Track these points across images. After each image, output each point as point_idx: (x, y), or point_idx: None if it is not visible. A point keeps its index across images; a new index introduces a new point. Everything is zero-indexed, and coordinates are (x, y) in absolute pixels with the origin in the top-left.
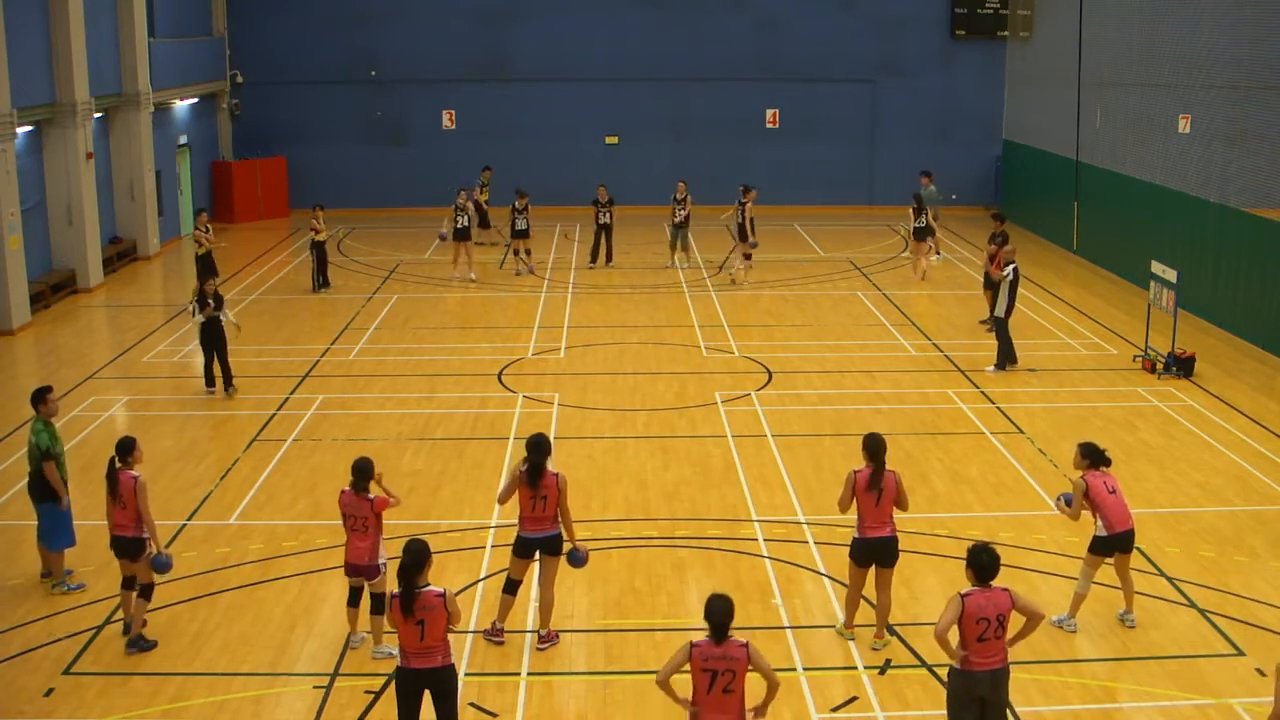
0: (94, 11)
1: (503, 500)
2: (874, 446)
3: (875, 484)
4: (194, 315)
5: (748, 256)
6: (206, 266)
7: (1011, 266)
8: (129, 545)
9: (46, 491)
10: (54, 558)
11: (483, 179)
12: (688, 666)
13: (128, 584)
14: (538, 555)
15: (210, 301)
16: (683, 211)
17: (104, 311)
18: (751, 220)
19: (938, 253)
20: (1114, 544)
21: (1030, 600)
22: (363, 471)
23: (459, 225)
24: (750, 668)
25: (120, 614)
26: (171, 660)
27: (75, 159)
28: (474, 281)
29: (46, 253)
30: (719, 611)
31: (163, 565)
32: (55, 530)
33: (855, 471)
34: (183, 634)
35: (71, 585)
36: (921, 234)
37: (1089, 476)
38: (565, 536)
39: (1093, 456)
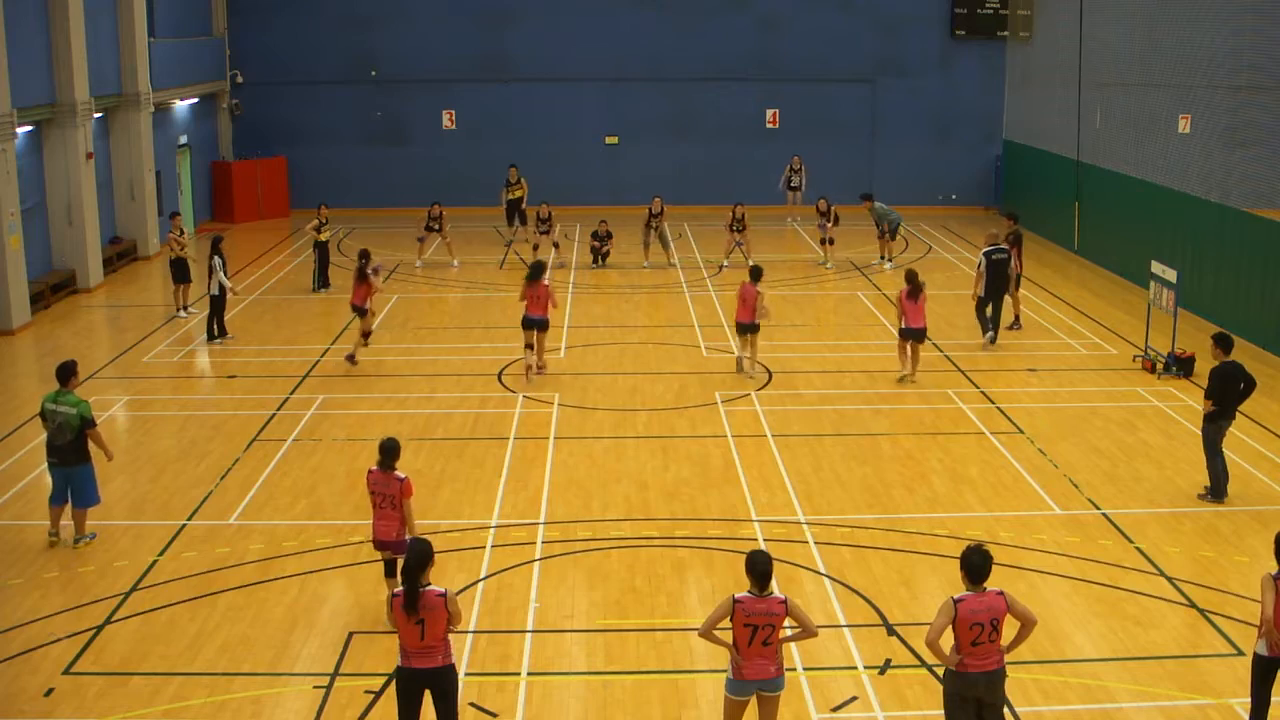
0: (94, 11)
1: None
2: None
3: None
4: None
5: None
6: (180, 271)
7: (983, 253)
8: (359, 310)
9: (85, 454)
10: (79, 514)
11: (509, 176)
12: (728, 621)
13: (359, 311)
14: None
15: (222, 257)
16: (658, 224)
17: (104, 311)
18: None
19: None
20: None
21: (1024, 605)
22: (389, 451)
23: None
24: (789, 621)
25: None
26: (171, 660)
27: (75, 159)
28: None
29: (46, 253)
30: (764, 562)
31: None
32: (92, 487)
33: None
34: (183, 634)
35: (89, 536)
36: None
37: None
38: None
39: None
